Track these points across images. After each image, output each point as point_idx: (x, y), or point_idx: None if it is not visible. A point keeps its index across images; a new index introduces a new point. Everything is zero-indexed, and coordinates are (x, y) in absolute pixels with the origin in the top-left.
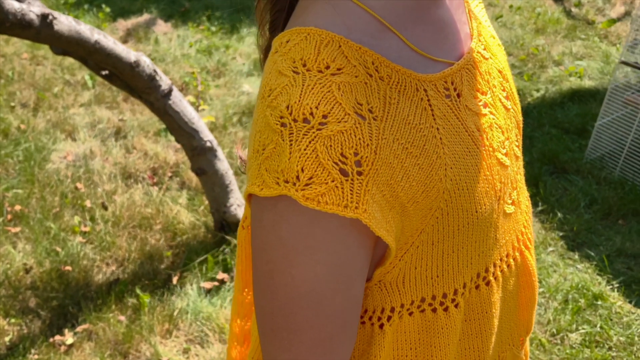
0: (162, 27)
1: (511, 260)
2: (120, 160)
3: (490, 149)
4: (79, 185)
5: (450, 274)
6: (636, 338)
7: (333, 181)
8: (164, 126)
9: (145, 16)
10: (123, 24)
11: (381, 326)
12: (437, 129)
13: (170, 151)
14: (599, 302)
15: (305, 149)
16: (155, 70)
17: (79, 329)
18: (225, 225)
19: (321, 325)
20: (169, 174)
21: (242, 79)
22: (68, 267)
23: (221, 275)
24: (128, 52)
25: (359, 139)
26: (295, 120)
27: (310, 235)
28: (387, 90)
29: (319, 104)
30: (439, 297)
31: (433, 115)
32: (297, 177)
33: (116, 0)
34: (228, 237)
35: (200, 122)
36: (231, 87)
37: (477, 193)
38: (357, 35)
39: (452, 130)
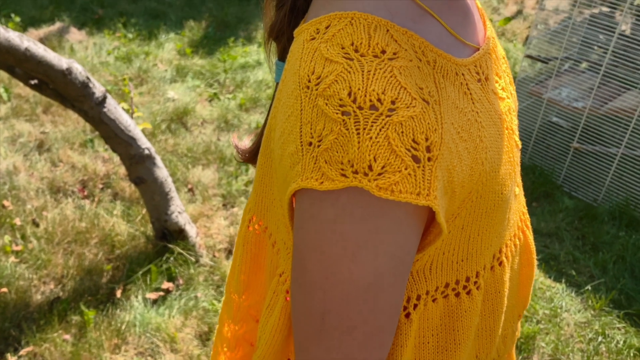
0: (76, 36)
1: (516, 240)
2: (46, 174)
3: (510, 131)
4: (5, 203)
5: (474, 257)
6: (559, 310)
7: (406, 169)
8: (89, 137)
9: (58, 24)
10: (35, 34)
11: (407, 315)
12: (477, 112)
13: (99, 162)
14: None
15: (376, 137)
16: (88, 77)
17: (22, 352)
18: (167, 233)
19: (375, 320)
20: (100, 186)
21: (165, 85)
22: (4, 289)
23: (166, 285)
24: (59, 59)
25: (428, 123)
26: (360, 108)
27: (375, 228)
28: (435, 74)
29: (385, 89)
30: (462, 282)
31: (472, 99)
32: (370, 167)
33: (25, 9)
34: (170, 246)
35: (136, 129)
36: (155, 94)
37: (503, 175)
38: (401, 20)
39: (487, 113)
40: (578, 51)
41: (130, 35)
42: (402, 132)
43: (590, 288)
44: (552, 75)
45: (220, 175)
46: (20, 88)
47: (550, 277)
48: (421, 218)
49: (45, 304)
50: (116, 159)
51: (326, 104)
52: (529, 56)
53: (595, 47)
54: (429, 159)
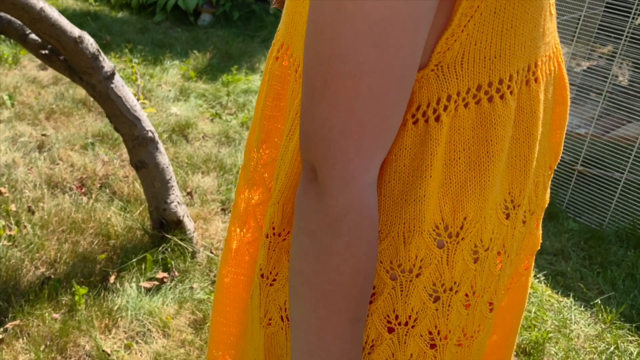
0: None
1: (551, 66)
2: (45, 170)
3: None
4: (2, 189)
5: (507, 56)
6: (568, 322)
7: None
8: (90, 140)
9: None
10: None
11: (437, 118)
12: None
13: (98, 163)
14: (531, 291)
15: None
16: (98, 50)
17: (9, 325)
18: (165, 223)
19: (383, 69)
20: (98, 185)
21: (169, 103)
22: None
23: (161, 275)
24: (72, 27)
25: None
26: None
27: None
28: None
29: None
30: (495, 84)
31: None
32: None
33: None
34: (167, 236)
35: (141, 111)
36: (159, 110)
37: None
38: None
39: None
40: (576, 91)
41: (136, 60)
42: None
43: (600, 302)
44: None
45: (220, 182)
46: (24, 96)
47: (557, 292)
48: None
49: (37, 283)
50: (116, 161)
51: None
52: None
53: (592, 94)
54: None
